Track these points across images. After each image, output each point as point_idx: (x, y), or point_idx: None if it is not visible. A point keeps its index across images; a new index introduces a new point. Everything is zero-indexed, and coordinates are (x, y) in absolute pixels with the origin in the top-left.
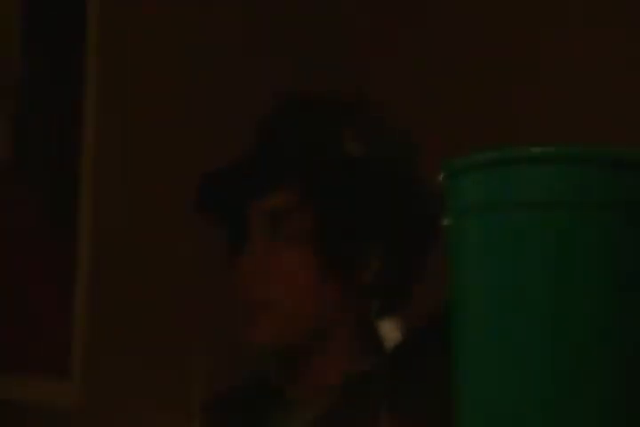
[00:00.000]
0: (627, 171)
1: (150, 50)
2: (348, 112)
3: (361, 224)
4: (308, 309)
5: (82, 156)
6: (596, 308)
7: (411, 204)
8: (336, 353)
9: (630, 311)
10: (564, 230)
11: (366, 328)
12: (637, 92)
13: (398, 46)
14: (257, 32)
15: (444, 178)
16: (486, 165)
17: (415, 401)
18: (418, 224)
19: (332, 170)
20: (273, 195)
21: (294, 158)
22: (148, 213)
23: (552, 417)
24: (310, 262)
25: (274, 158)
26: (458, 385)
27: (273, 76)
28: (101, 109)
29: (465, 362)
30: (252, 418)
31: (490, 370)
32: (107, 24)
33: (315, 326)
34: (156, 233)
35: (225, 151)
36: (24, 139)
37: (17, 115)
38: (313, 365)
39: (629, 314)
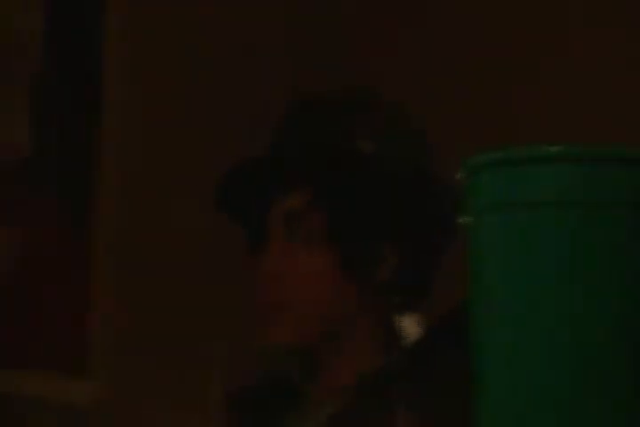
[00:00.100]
0: None
1: (152, 50)
2: (361, 112)
3: (375, 223)
4: (325, 309)
5: (98, 156)
6: (615, 307)
7: (425, 202)
8: (352, 353)
9: None
10: (581, 229)
11: (383, 327)
12: (637, 92)
13: (398, 46)
14: (257, 32)
15: (463, 176)
16: (507, 164)
17: (433, 400)
18: (432, 222)
19: (344, 170)
20: (289, 196)
21: (308, 159)
22: (165, 213)
23: (566, 416)
24: (326, 263)
25: (289, 159)
26: (476, 384)
27: (273, 76)
28: (119, 110)
29: (484, 361)
30: (265, 418)
31: (507, 368)
32: (108, 24)
33: (331, 326)
34: (174, 233)
35: (225, 151)
36: (42, 139)
37: (35, 115)
38: (328, 365)
39: None
